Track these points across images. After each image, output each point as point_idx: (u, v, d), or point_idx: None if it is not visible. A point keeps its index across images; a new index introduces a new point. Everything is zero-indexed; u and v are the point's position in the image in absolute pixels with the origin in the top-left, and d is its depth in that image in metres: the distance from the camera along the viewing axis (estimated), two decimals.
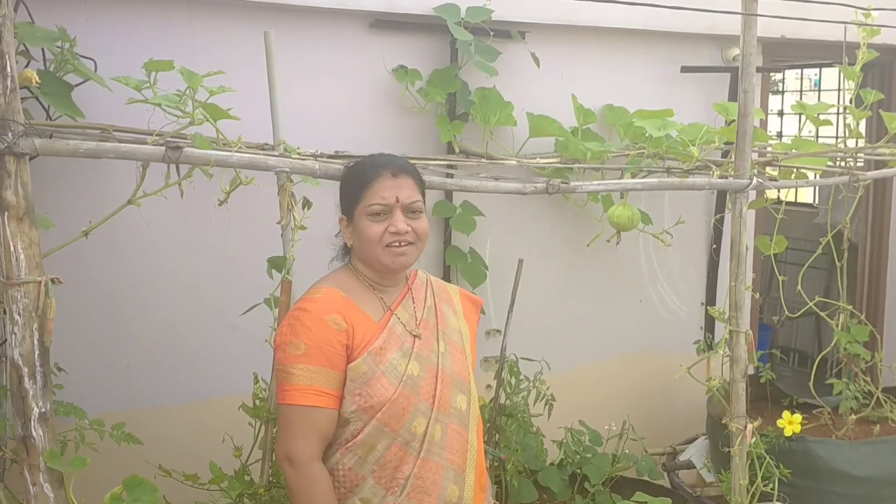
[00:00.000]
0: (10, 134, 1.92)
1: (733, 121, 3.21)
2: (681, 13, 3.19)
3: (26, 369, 1.97)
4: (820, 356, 3.77)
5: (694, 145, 3.32)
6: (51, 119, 2.64)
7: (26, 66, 2.56)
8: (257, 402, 2.63)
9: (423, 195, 2.10)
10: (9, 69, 1.91)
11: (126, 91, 2.42)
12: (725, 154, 3.63)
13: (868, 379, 3.72)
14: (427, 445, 2.00)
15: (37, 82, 2.31)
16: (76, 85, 2.61)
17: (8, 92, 1.92)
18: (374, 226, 2.01)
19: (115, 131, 2.66)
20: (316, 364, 1.92)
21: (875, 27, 3.41)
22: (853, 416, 3.52)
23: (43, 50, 2.59)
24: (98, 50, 2.74)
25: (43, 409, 2.00)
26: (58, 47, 2.55)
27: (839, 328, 3.68)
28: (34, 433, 1.98)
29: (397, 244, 2.01)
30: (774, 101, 6.88)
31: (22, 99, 2.06)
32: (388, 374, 1.97)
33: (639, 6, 2.93)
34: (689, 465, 3.75)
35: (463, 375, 2.13)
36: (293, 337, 1.93)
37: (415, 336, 2.06)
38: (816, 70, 6.42)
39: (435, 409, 2.02)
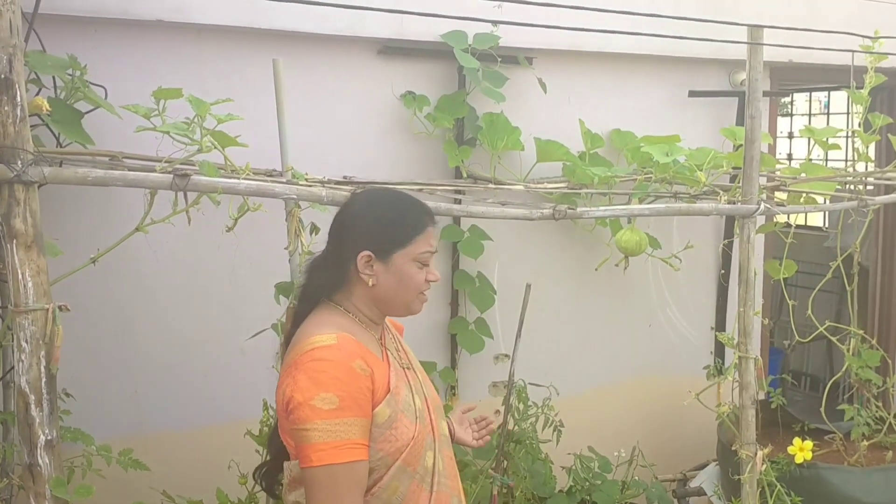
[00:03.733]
0: (19, 163, 1.93)
1: (741, 145, 3.20)
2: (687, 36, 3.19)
3: (33, 397, 1.97)
4: (831, 381, 3.74)
5: (701, 170, 3.32)
6: (61, 146, 2.66)
7: (37, 94, 2.58)
8: (264, 428, 2.62)
9: None
10: (18, 98, 1.93)
11: (135, 118, 2.43)
12: (734, 178, 3.63)
13: (880, 404, 3.69)
14: (437, 477, 1.96)
15: (47, 110, 2.34)
16: (86, 112, 2.63)
17: (18, 121, 1.94)
18: (420, 273, 1.94)
19: (124, 158, 2.68)
20: (351, 416, 1.78)
21: (881, 54, 3.42)
22: (865, 443, 3.49)
23: (53, 77, 2.61)
24: (108, 77, 2.77)
25: (49, 437, 2.00)
26: (68, 75, 2.58)
27: (850, 353, 3.65)
28: (40, 461, 1.98)
29: (426, 292, 1.98)
30: (784, 123, 6.88)
31: (32, 126, 2.09)
32: (406, 412, 1.90)
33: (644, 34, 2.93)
34: (700, 492, 3.71)
35: (439, 400, 2.11)
36: (321, 391, 1.77)
37: (406, 368, 2.02)
38: (825, 92, 6.41)
39: (436, 439, 1.99)
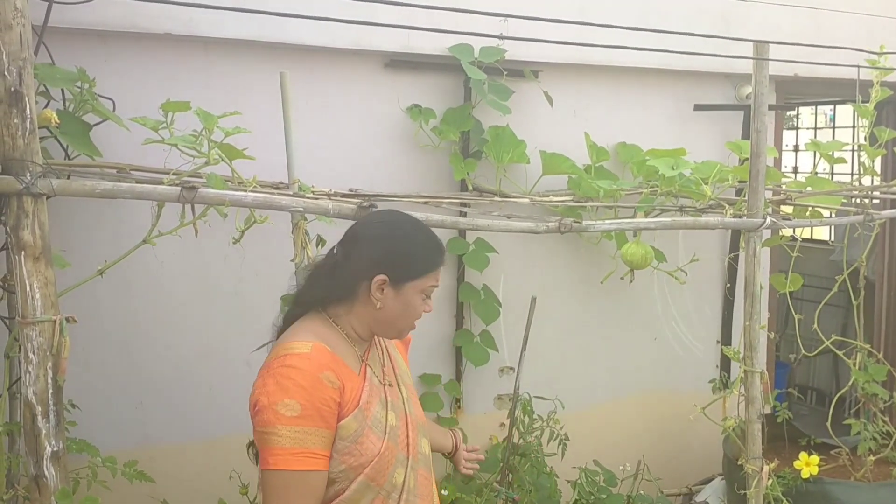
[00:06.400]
0: (28, 175, 1.95)
1: (746, 159, 3.21)
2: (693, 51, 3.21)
3: (40, 408, 1.98)
4: (837, 395, 3.73)
5: (707, 184, 3.32)
6: (69, 158, 2.67)
7: (46, 106, 2.60)
8: None
9: None
10: (28, 111, 1.95)
11: (143, 130, 2.45)
12: (739, 192, 3.63)
13: (886, 419, 3.67)
14: (405, 495, 1.96)
15: (56, 122, 2.36)
16: (95, 125, 2.65)
17: (27, 133, 1.95)
18: (422, 305, 1.98)
19: (132, 170, 2.70)
20: (311, 425, 1.80)
21: (886, 69, 3.42)
22: (871, 458, 3.47)
23: (62, 90, 2.63)
24: (117, 90, 2.79)
25: (55, 448, 2.00)
26: (77, 87, 2.60)
27: (857, 367, 3.64)
28: (46, 472, 1.99)
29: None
30: (789, 136, 6.88)
31: (41, 138, 2.10)
32: (374, 428, 1.91)
33: (651, 49, 2.94)
34: None
35: (423, 419, 2.12)
36: (284, 397, 1.79)
37: (386, 385, 2.02)
38: (831, 106, 6.42)
39: (410, 457, 1.99)
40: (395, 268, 1.93)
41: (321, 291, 1.98)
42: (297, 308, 2.02)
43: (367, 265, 1.92)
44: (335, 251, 1.99)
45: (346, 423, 1.85)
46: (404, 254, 1.96)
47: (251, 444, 2.15)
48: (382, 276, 1.92)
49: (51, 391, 1.99)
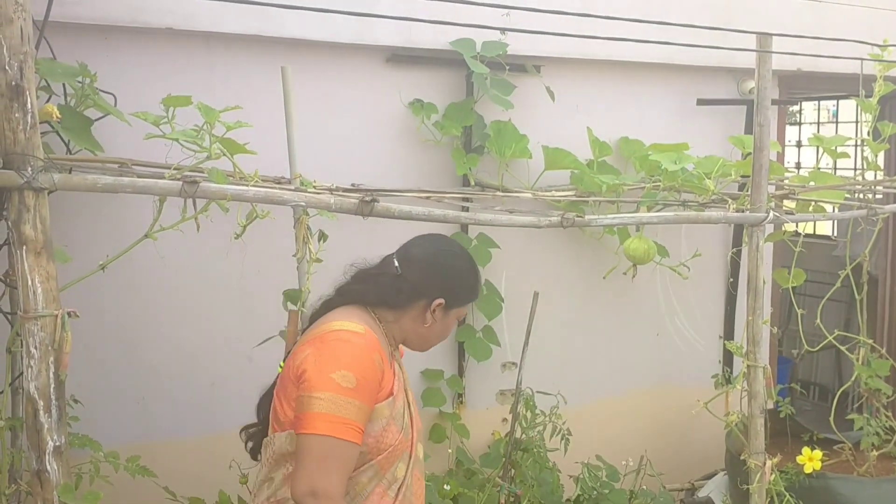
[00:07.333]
0: (29, 169, 1.94)
1: (749, 154, 3.20)
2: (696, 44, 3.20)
3: (41, 403, 1.98)
4: (840, 390, 3.72)
5: (710, 178, 3.31)
6: (71, 153, 2.67)
7: (47, 101, 2.60)
8: None
9: None
10: (29, 105, 1.94)
11: (145, 125, 2.45)
12: (742, 186, 3.62)
13: (890, 414, 3.66)
14: (404, 489, 2.05)
15: (57, 117, 2.35)
16: (96, 119, 2.65)
17: (28, 128, 1.94)
18: (452, 327, 2.20)
19: (133, 165, 2.70)
20: (362, 400, 1.89)
21: (890, 62, 3.41)
22: (875, 453, 3.47)
23: (64, 85, 2.63)
24: (118, 84, 2.78)
25: (57, 443, 2.00)
26: (78, 82, 2.59)
27: (860, 362, 3.63)
28: (48, 467, 1.98)
29: None
30: (792, 132, 6.86)
31: (43, 133, 2.09)
32: (397, 420, 2.01)
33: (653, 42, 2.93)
34: (708, 502, 3.70)
35: (420, 424, 2.22)
36: (343, 368, 1.88)
37: (405, 387, 2.14)
38: (834, 101, 6.41)
39: (412, 456, 2.09)
40: (453, 295, 2.11)
41: (375, 294, 2.10)
42: (337, 298, 2.13)
43: (431, 288, 2.09)
44: (395, 264, 2.11)
45: (380, 407, 1.96)
46: (462, 283, 2.15)
47: (245, 429, 2.23)
48: (441, 300, 2.08)
49: (53, 386, 1.99)
